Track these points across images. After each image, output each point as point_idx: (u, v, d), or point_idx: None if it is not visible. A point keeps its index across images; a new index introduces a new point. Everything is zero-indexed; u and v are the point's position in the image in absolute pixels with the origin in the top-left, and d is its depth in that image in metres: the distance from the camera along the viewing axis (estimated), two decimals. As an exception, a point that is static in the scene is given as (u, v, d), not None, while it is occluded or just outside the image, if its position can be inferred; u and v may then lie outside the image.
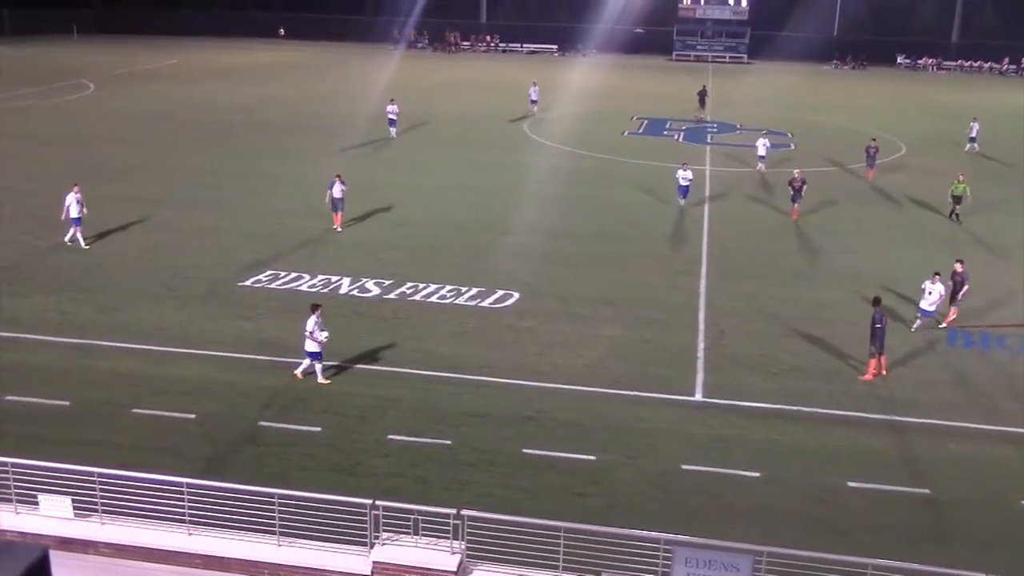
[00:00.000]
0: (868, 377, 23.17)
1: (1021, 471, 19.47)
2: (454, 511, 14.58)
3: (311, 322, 21.80)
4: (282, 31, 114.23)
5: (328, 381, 22.21)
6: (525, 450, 19.54)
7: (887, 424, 21.25)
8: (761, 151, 45.67)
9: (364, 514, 14.52)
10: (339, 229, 33.85)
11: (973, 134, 52.98)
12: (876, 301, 23.54)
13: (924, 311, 25.96)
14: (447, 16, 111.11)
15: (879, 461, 19.68)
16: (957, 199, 37.52)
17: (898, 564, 13.94)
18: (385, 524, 14.81)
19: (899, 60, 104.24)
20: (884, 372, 23.40)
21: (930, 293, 25.72)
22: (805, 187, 37.00)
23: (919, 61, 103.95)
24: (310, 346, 21.98)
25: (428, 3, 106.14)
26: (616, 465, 19.14)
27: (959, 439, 20.76)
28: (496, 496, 17.68)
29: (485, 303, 27.58)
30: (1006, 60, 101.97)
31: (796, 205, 37.06)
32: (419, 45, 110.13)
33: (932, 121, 63.89)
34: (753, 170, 46.16)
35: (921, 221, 38.14)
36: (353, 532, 14.58)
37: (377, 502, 14.66)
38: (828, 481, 18.84)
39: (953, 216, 37.64)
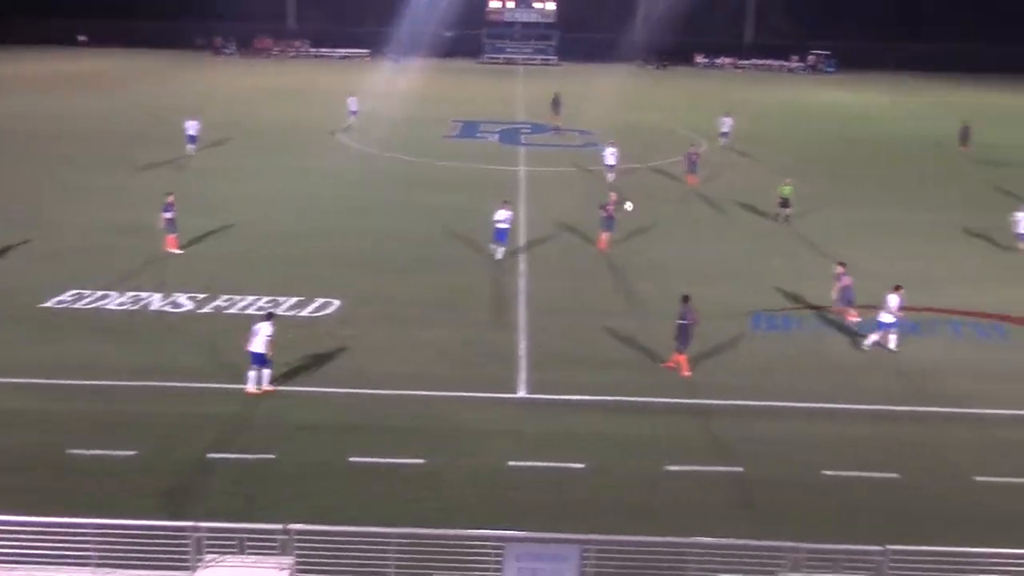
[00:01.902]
0: (683, 372, 23.83)
1: (823, 444, 20.73)
2: (281, 527, 14.29)
3: (267, 328, 21.61)
4: (83, 38, 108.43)
5: (273, 388, 21.88)
6: (352, 459, 19.33)
7: (701, 408, 22.19)
8: (610, 160, 44.77)
9: (186, 538, 14.03)
10: (179, 252, 32.14)
11: (725, 129, 55.51)
12: (685, 298, 24.01)
13: (883, 324, 25.59)
14: (254, 21, 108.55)
15: (695, 444, 20.54)
16: (784, 200, 38.26)
17: (716, 541, 14.62)
18: (209, 546, 14.35)
19: (698, 60, 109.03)
20: (687, 372, 23.75)
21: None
22: (614, 209, 33.93)
23: (716, 60, 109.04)
24: (256, 347, 21.71)
25: (234, 8, 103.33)
26: (445, 467, 19.20)
27: (766, 418, 21.91)
28: (325, 508, 17.40)
29: (305, 312, 27.13)
30: (794, 58, 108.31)
31: (609, 233, 33.88)
32: (226, 51, 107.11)
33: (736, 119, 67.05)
34: (567, 170, 47.30)
35: (739, 218, 40.02)
36: (175, 557, 14.05)
37: (199, 524, 14.18)
38: (649, 467, 19.49)
39: (780, 217, 38.24)
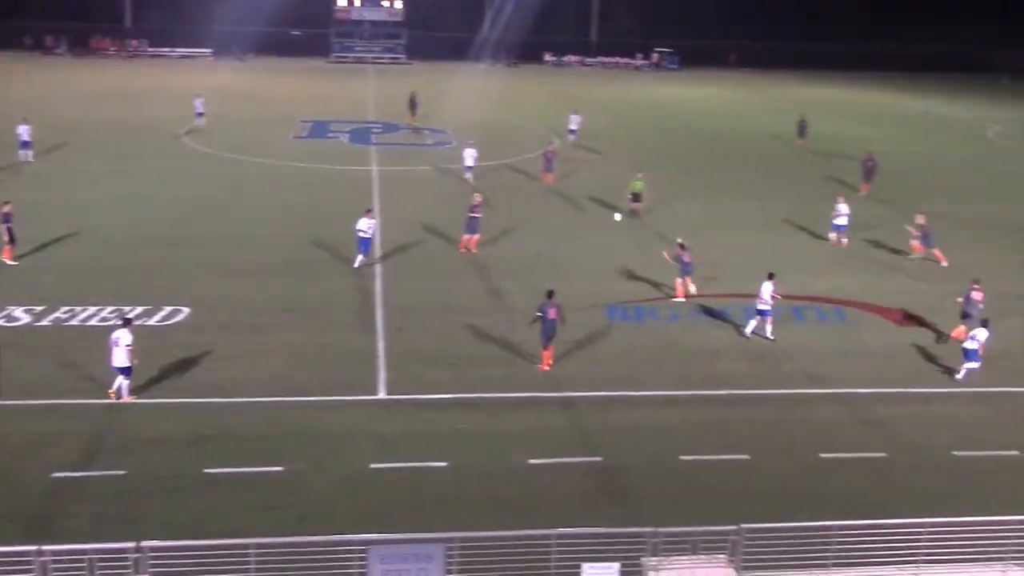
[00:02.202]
0: (543, 366, 24.08)
1: (679, 430, 21.34)
2: (133, 545, 13.73)
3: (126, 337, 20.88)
4: None
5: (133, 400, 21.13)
6: (207, 470, 18.74)
7: (561, 401, 22.50)
8: (469, 161, 44.28)
9: (30, 563, 13.32)
10: (13, 263, 30.34)
11: (574, 126, 56.48)
12: (549, 294, 24.10)
13: (760, 311, 26.54)
14: (88, 21, 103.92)
15: (556, 437, 20.80)
16: (636, 196, 38.94)
17: (578, 530, 14.86)
18: (57, 570, 13.66)
19: (546, 58, 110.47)
20: (548, 365, 24.02)
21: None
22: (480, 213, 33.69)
23: (564, 58, 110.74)
24: (120, 361, 20.90)
25: (66, 6, 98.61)
26: (305, 473, 18.85)
27: (624, 407, 22.40)
28: (180, 523, 16.82)
29: (152, 321, 26.13)
30: (639, 56, 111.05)
31: (476, 235, 33.48)
32: (57, 52, 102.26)
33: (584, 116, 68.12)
34: (421, 169, 47.17)
35: (594, 213, 40.68)
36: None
37: (43, 547, 13.49)
38: (512, 462, 19.64)
39: (631, 213, 38.75)
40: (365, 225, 31.22)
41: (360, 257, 31.32)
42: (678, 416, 22.13)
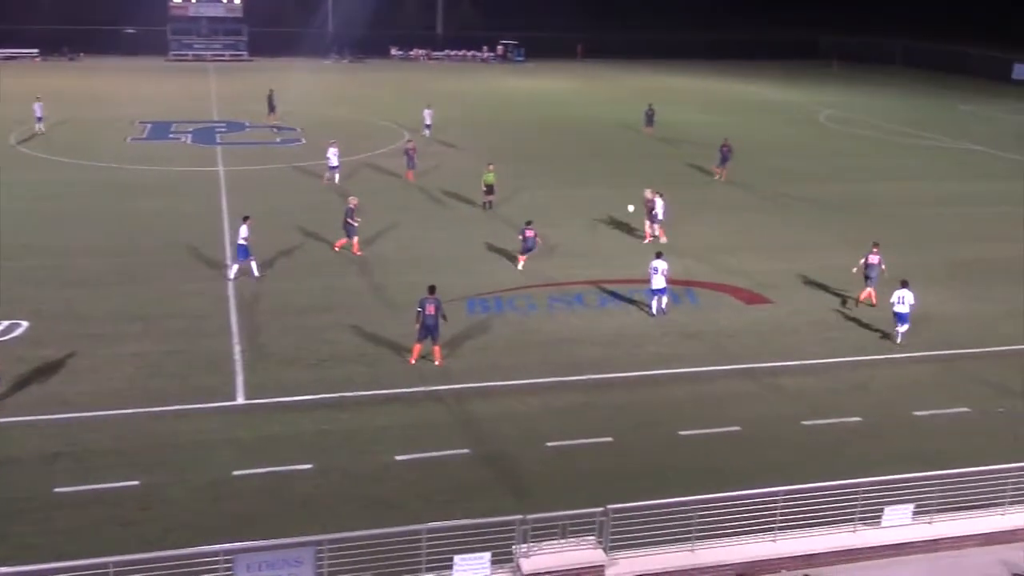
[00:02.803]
0: (412, 360, 24.07)
1: (543, 417, 21.66)
2: (-19, 573, 13.03)
3: None
4: None
5: None
6: (58, 489, 17.93)
7: (426, 396, 22.49)
8: (333, 161, 42.95)
9: None
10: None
11: (428, 121, 56.67)
12: (431, 289, 23.92)
13: (655, 291, 27.83)
14: None
15: (423, 432, 20.80)
16: (489, 188, 39.06)
17: (447, 524, 14.91)
18: None
19: (393, 52, 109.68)
20: (439, 362, 24.05)
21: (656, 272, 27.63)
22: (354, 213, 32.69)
23: (411, 52, 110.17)
24: None
25: None
26: (164, 485, 18.26)
27: (492, 397, 22.57)
28: (32, 545, 16.04)
29: (-11, 337, 24.80)
30: (485, 48, 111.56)
31: (355, 239, 32.74)
32: None
33: (443, 108, 68.02)
34: (270, 167, 46.16)
35: (452, 207, 40.64)
36: None
37: None
38: (379, 459, 19.54)
39: (486, 205, 39.05)
40: (244, 232, 29.66)
41: (235, 267, 30.11)
42: (541, 403, 22.44)
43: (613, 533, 15.23)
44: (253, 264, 29.95)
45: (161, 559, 13.73)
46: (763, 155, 53.55)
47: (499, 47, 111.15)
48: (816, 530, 16.31)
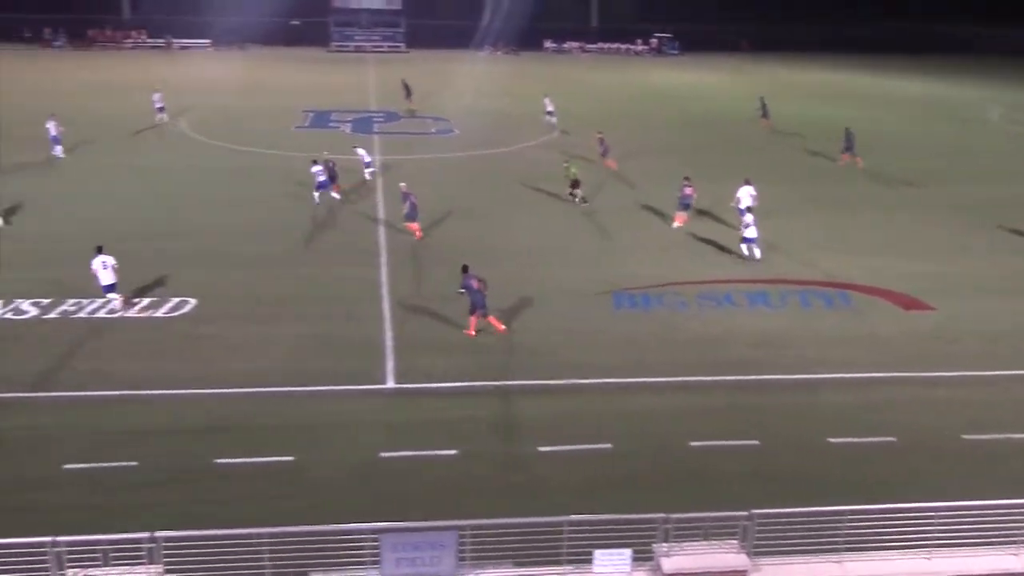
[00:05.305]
0: (470, 332, 25.14)
1: (688, 416, 21.36)
2: (146, 535, 13.77)
3: None
4: None
5: None
6: (217, 460, 18.80)
7: (569, 388, 22.51)
8: (367, 159, 43.06)
9: (44, 554, 13.37)
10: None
11: (550, 108, 57.11)
12: (464, 269, 25.82)
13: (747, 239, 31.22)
14: (87, 12, 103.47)
15: (566, 424, 20.82)
16: (575, 182, 38.74)
17: (589, 517, 14.85)
18: (72, 560, 13.73)
19: (547, 44, 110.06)
20: (502, 328, 25.26)
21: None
22: (414, 200, 33.70)
23: (564, 45, 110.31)
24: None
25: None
26: (314, 463, 18.89)
27: (636, 394, 22.38)
28: (192, 513, 16.86)
29: (159, 313, 26.18)
30: (639, 41, 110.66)
31: (415, 223, 33.66)
32: (56, 44, 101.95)
33: (591, 101, 67.91)
34: (424, 157, 47.02)
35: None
36: (35, 574, 13.38)
37: (58, 538, 13.53)
38: (522, 449, 19.69)
39: (572, 196, 38.49)
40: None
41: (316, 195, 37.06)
42: (687, 402, 22.14)
43: (757, 538, 14.90)
44: (334, 193, 37.31)
45: (311, 533, 14.22)
46: (915, 152, 51.37)
47: (653, 40, 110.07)
48: (973, 551, 15.53)
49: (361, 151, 43.47)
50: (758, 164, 46.27)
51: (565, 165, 39.98)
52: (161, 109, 55.59)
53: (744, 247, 31.79)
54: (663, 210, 37.44)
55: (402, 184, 35.36)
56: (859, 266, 31.52)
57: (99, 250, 26.37)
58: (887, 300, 28.83)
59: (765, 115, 59.19)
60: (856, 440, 20.45)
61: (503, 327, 25.29)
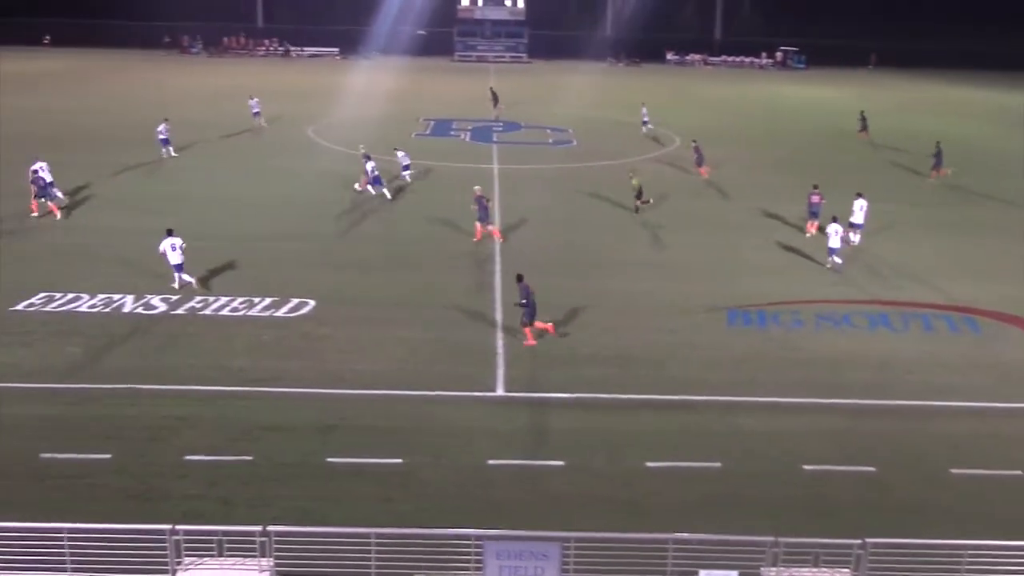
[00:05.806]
0: (528, 342, 25.15)
1: (802, 438, 20.81)
2: (259, 528, 14.17)
3: None
4: (47, 39, 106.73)
5: None
6: (330, 459, 19.21)
7: (680, 404, 22.21)
8: (405, 161, 43.48)
9: (164, 541, 13.88)
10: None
11: (646, 118, 58.02)
12: (519, 278, 25.52)
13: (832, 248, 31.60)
14: (222, 21, 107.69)
15: (675, 440, 20.54)
16: (639, 193, 38.43)
17: (696, 536, 14.64)
18: (188, 549, 14.23)
19: (669, 57, 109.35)
20: (532, 341, 25.15)
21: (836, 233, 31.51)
22: (488, 203, 34.67)
23: (687, 57, 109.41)
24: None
25: (202, 7, 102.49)
26: (423, 466, 19.12)
27: (747, 413, 21.95)
28: (303, 509, 17.29)
29: (280, 312, 26.93)
30: (764, 54, 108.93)
31: (488, 225, 34.41)
32: (193, 51, 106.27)
33: (708, 114, 67.22)
34: (542, 167, 47.19)
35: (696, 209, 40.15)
36: (153, 561, 13.92)
37: (177, 527, 14.05)
38: (629, 463, 19.50)
39: (637, 209, 38.24)
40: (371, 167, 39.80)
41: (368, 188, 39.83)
42: (801, 424, 21.59)
43: (871, 568, 14.43)
44: (385, 190, 39.49)
45: (417, 536, 14.40)
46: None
47: (778, 53, 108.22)
48: (1106, 595, 14.72)
49: (401, 153, 44.03)
50: (871, 181, 45.06)
51: (630, 176, 39.89)
52: (257, 114, 57.48)
53: (832, 258, 32.01)
54: (775, 226, 36.73)
55: (477, 187, 35.80)
56: (984, 290, 30.25)
57: (169, 232, 28.32)
58: (1018, 327, 27.59)
59: (864, 128, 59.15)
60: (981, 472, 19.59)
61: (551, 326, 25.61)
